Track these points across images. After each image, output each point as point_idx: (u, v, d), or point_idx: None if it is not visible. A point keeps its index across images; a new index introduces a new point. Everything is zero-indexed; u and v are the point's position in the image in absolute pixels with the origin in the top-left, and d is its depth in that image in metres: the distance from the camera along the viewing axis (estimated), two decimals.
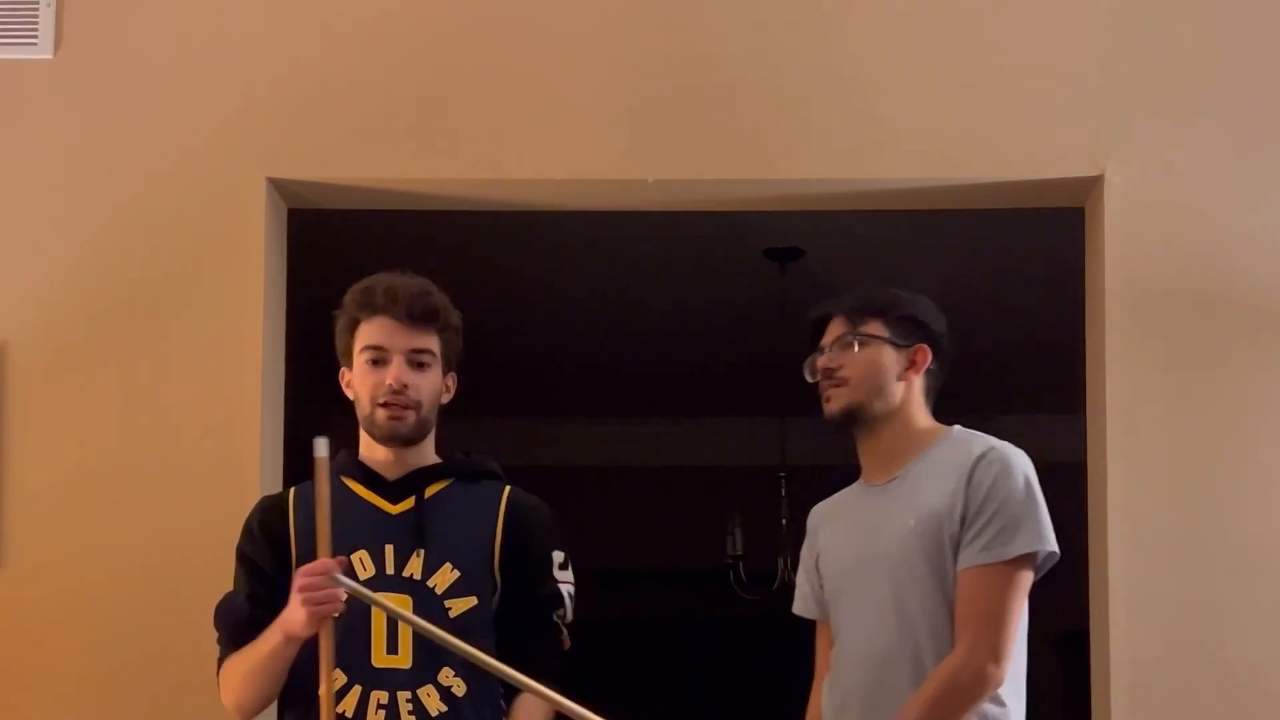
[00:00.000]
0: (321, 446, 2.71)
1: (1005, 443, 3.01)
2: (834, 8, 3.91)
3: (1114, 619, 3.73)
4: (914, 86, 3.87)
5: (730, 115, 3.88)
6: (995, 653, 2.88)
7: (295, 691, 2.85)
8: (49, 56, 3.88)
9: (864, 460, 3.12)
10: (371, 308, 2.90)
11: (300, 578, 2.73)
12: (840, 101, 3.87)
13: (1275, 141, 3.84)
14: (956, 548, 2.93)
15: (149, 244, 3.85)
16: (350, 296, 2.95)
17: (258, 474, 3.77)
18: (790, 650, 3.31)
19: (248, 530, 2.96)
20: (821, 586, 3.13)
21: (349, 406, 2.97)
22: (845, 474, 3.19)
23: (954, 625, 2.91)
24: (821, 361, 3.06)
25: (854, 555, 3.05)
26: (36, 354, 3.81)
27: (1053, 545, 2.93)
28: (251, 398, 3.80)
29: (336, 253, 4.76)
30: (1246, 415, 3.77)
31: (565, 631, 2.96)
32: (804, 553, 3.21)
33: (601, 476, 8.30)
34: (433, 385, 2.92)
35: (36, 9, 3.88)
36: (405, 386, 2.87)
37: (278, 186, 3.90)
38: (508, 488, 3.00)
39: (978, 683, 2.87)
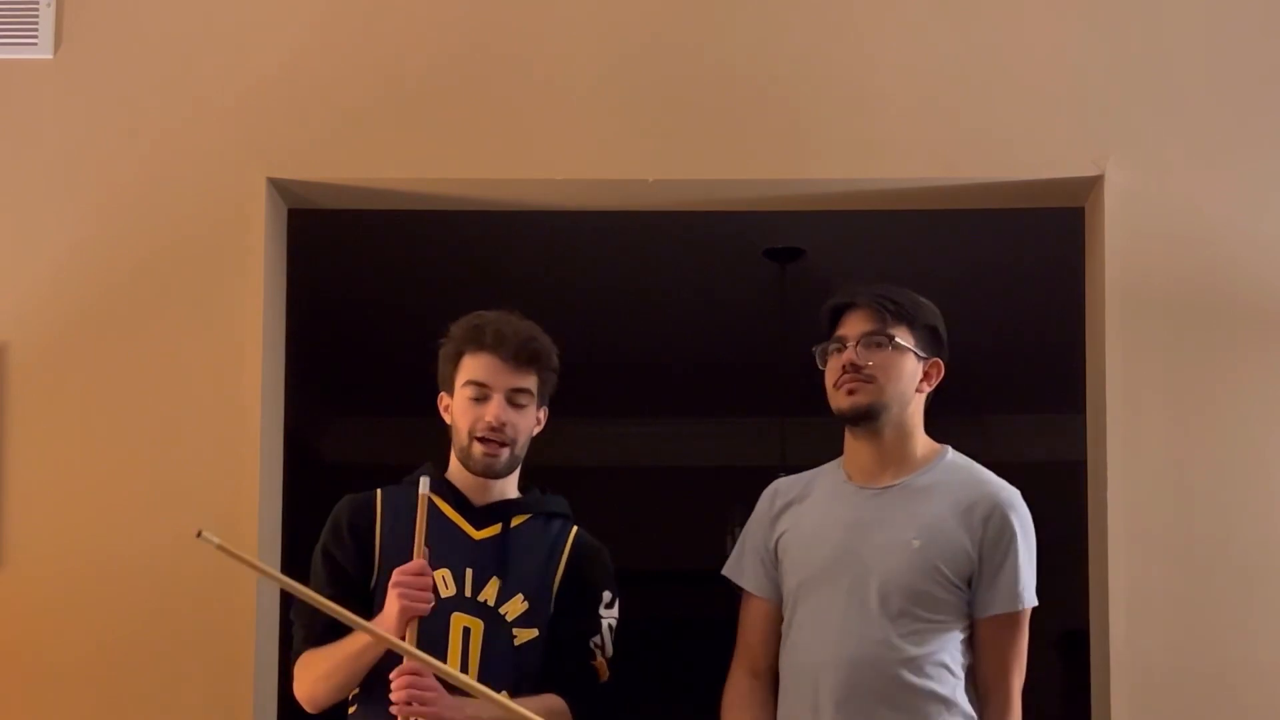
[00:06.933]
0: (425, 484, 2.94)
1: (1003, 480, 3.08)
2: (835, 8, 3.91)
3: (1114, 619, 3.73)
4: (914, 87, 3.87)
5: (730, 115, 3.87)
6: (1020, 695, 3.06)
7: (366, 685, 2.96)
8: (49, 56, 3.89)
9: (855, 459, 3.11)
10: (479, 344, 3.04)
11: (397, 575, 2.88)
12: (841, 102, 3.87)
13: (1275, 141, 3.84)
14: (965, 581, 3.00)
15: (149, 244, 3.85)
16: (458, 329, 3.08)
17: (257, 474, 3.77)
18: None
19: (335, 529, 3.06)
20: (776, 568, 3.14)
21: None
22: None
23: (979, 667, 3.03)
24: (848, 357, 3.04)
25: (835, 555, 3.05)
26: (36, 354, 3.81)
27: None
28: (251, 398, 3.80)
29: (336, 253, 4.78)
30: (1247, 415, 3.77)
31: (603, 660, 3.07)
32: (756, 529, 3.18)
33: (601, 476, 8.28)
34: (528, 423, 3.07)
35: (36, 9, 3.88)
36: (504, 425, 3.01)
37: (278, 186, 3.90)
38: (574, 529, 3.13)
39: None
